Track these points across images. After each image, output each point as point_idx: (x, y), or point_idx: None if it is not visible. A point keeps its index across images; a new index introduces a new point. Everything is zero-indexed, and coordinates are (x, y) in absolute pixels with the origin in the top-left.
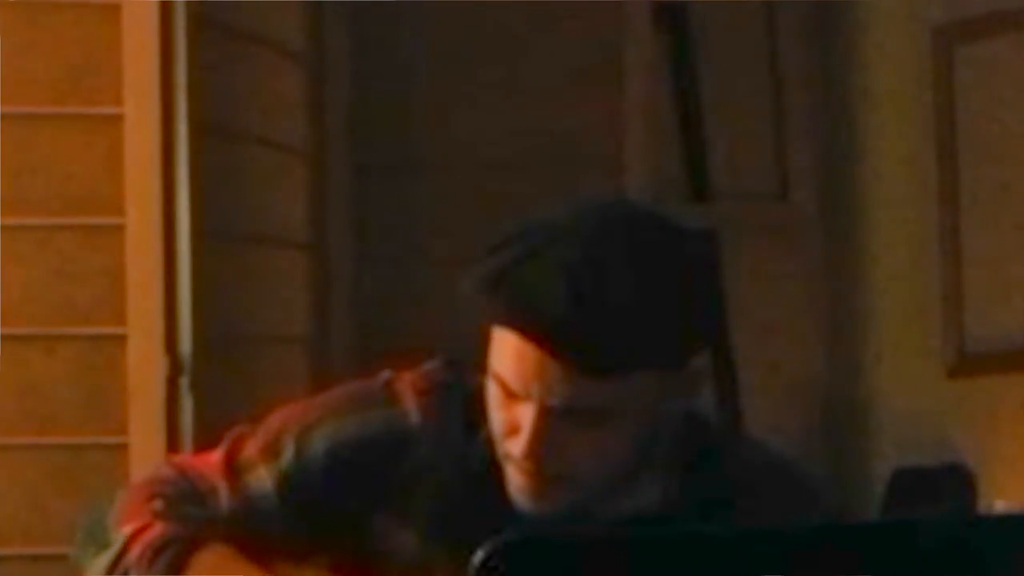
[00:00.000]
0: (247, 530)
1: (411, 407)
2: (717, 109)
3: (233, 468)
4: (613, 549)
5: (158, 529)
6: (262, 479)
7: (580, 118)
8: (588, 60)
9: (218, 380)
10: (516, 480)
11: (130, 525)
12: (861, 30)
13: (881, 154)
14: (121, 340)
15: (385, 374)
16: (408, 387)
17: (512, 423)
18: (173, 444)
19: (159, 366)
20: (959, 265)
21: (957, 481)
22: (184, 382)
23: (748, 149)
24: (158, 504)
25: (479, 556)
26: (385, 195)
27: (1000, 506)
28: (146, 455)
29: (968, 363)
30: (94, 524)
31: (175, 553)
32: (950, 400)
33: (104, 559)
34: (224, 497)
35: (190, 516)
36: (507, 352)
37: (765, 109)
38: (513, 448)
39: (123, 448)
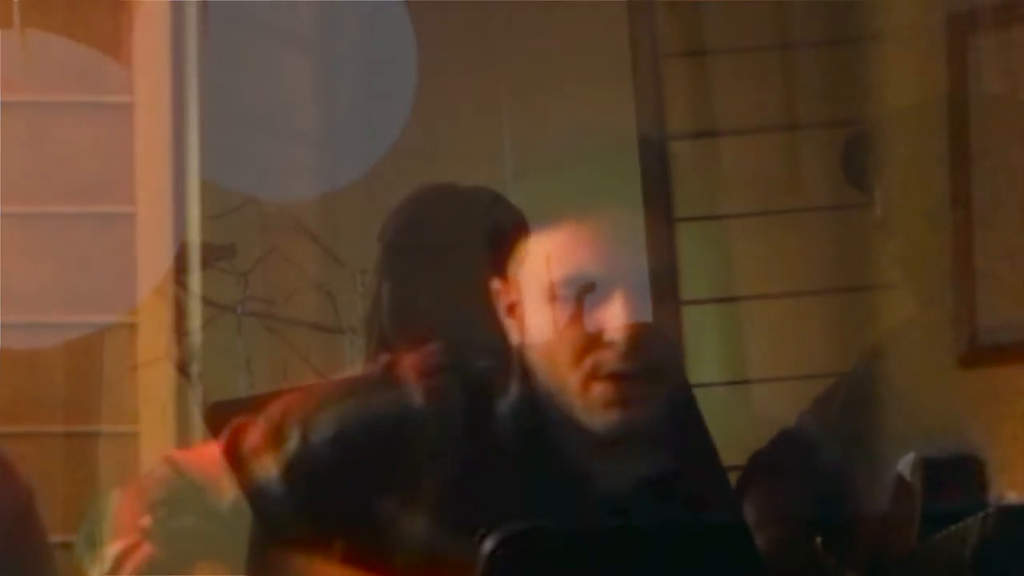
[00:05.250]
0: (252, 521)
1: (413, 389)
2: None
3: (235, 459)
4: (619, 539)
5: (145, 552)
6: (267, 468)
7: (586, 107)
8: (596, 49)
9: (228, 370)
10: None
11: (119, 543)
12: (874, 18)
13: (892, 145)
14: (132, 328)
15: (384, 358)
16: (409, 370)
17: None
18: (183, 433)
19: (169, 355)
20: (971, 253)
21: (969, 473)
22: (194, 371)
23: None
24: (146, 522)
25: (487, 546)
26: (395, 183)
27: (1013, 498)
28: (156, 444)
29: (981, 353)
30: (92, 524)
31: None
32: (962, 390)
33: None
34: (227, 490)
35: (181, 531)
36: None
37: (774, 101)
38: (605, 356)
39: (133, 437)
